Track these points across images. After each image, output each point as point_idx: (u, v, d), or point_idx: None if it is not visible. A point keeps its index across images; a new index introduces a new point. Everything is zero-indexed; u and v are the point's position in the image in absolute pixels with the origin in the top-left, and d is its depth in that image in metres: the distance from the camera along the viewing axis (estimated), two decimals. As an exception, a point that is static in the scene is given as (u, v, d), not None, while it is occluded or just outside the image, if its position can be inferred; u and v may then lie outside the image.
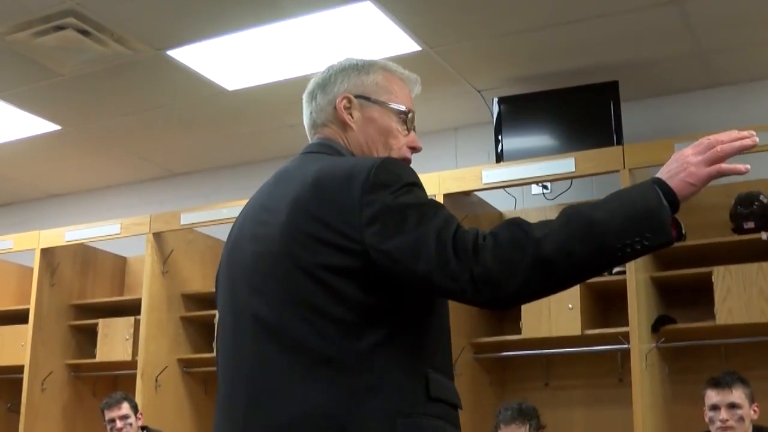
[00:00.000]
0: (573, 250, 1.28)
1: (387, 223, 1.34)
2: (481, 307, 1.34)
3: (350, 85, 1.60)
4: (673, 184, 1.34)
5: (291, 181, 1.47)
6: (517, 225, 1.33)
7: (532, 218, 4.42)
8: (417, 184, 1.42)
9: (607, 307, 4.05)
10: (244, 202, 5.36)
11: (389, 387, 1.34)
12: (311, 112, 1.63)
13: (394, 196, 1.36)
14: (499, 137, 4.30)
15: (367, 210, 1.35)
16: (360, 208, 1.35)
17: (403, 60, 3.97)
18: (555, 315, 3.80)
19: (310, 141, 1.64)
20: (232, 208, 4.50)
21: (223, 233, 5.03)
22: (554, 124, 4.27)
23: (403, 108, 1.61)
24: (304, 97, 1.65)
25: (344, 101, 1.59)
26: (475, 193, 4.14)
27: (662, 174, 1.36)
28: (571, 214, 1.32)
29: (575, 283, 1.34)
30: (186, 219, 4.66)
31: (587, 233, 1.29)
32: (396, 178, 1.39)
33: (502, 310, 1.35)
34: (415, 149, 1.62)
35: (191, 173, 5.70)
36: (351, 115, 1.59)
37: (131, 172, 5.70)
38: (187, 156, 5.44)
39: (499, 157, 4.27)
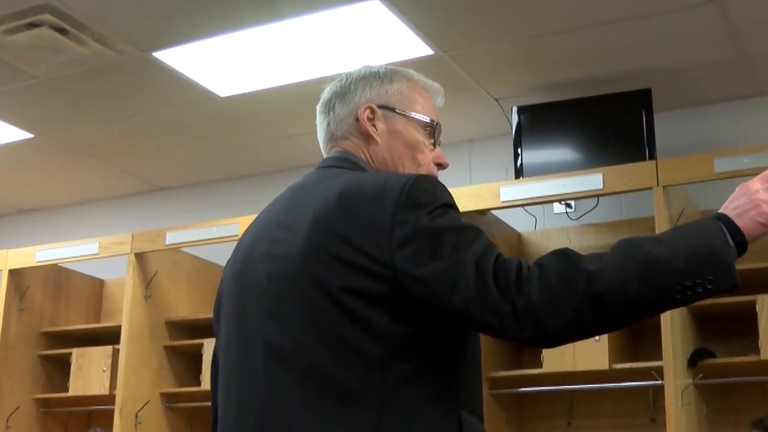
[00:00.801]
0: (629, 288, 1.28)
1: (421, 247, 1.34)
2: (520, 343, 1.33)
3: (373, 94, 1.61)
4: (741, 223, 1.34)
5: (311, 197, 1.47)
6: (566, 256, 1.33)
7: (554, 240, 4.35)
8: (453, 206, 1.43)
9: (638, 338, 4.03)
10: (237, 219, 5.29)
11: (419, 428, 1.33)
12: (329, 124, 1.64)
13: (430, 218, 1.37)
14: (519, 150, 4.30)
15: (400, 231, 1.36)
16: (391, 228, 1.36)
17: (414, 65, 3.92)
18: (580, 347, 3.77)
19: (324, 155, 1.65)
20: (223, 227, 4.50)
21: (213, 254, 5.04)
22: (580, 136, 4.27)
23: (429, 120, 1.62)
24: (319, 107, 1.67)
25: (367, 112, 1.60)
26: (492, 211, 4.14)
27: (728, 210, 1.36)
28: (628, 247, 1.32)
29: (625, 325, 1.35)
30: (172, 238, 4.65)
31: (646, 271, 1.29)
32: (432, 198, 1.40)
33: (544, 348, 1.35)
34: (441, 165, 1.64)
35: (178, 188, 5.70)
36: (375, 126, 1.60)
37: (111, 185, 5.69)
38: (174, 168, 5.43)
39: (519, 173, 4.26)
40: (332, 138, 1.63)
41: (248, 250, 1.54)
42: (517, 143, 4.31)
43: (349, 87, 1.63)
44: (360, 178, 1.47)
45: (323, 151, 1.66)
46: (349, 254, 1.37)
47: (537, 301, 1.28)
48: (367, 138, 1.60)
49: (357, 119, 1.60)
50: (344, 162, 1.58)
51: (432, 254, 1.33)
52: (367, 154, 1.60)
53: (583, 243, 4.34)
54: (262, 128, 4.82)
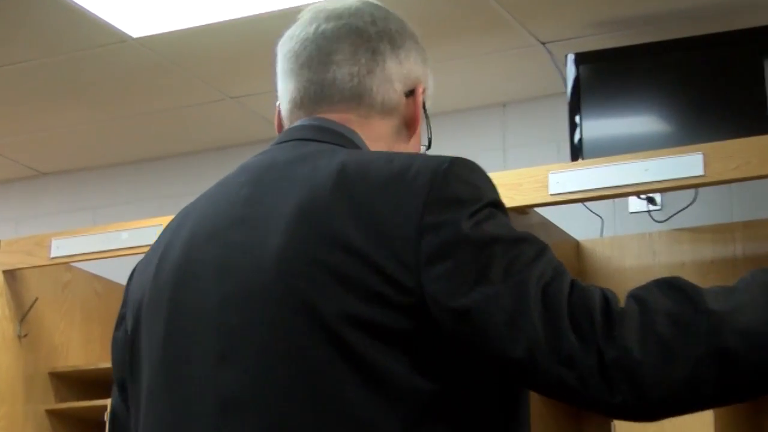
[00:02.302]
0: None
1: (462, 264, 1.36)
2: (608, 413, 1.34)
3: (422, 70, 1.68)
4: None
5: (287, 182, 1.49)
6: (678, 289, 1.35)
7: (630, 252, 4.31)
8: (501, 205, 1.46)
9: (762, 405, 4.00)
10: (159, 220, 5.22)
11: None
12: (353, 75, 1.62)
13: (474, 222, 1.39)
14: (577, 119, 4.29)
15: (431, 239, 1.37)
16: (418, 234, 1.38)
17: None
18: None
19: (293, 119, 1.65)
20: (137, 231, 4.43)
21: (121, 272, 4.97)
22: (668, 97, 4.27)
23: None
24: (329, 28, 1.64)
25: (424, 94, 1.67)
26: (537, 209, 4.10)
27: None
28: None
29: (763, 394, 1.36)
30: (60, 248, 4.59)
31: None
32: (475, 192, 1.43)
33: (641, 421, 1.38)
34: None
35: (69, 173, 5.71)
36: None
37: (-29, 170, 5.68)
38: (64, 145, 5.43)
39: (577, 152, 4.27)
40: (344, 98, 1.62)
41: (183, 257, 1.53)
42: (575, 108, 4.31)
43: (399, 35, 1.66)
44: (366, 158, 1.49)
45: (288, 116, 1.66)
46: (353, 269, 1.37)
47: (636, 354, 1.30)
48: (400, 131, 1.65)
49: (412, 94, 1.65)
50: (332, 135, 1.58)
51: (478, 276, 1.35)
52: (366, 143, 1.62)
53: (673, 257, 4.30)
54: (194, 85, 4.80)
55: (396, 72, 1.64)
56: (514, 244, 1.39)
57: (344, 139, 1.58)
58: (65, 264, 4.75)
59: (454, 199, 1.40)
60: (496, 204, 1.44)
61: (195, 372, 1.46)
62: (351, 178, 1.43)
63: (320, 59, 1.63)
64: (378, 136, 1.63)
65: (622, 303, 1.36)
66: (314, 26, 1.65)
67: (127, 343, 1.61)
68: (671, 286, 1.35)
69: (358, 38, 1.64)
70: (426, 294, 1.35)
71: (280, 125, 1.71)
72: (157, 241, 1.64)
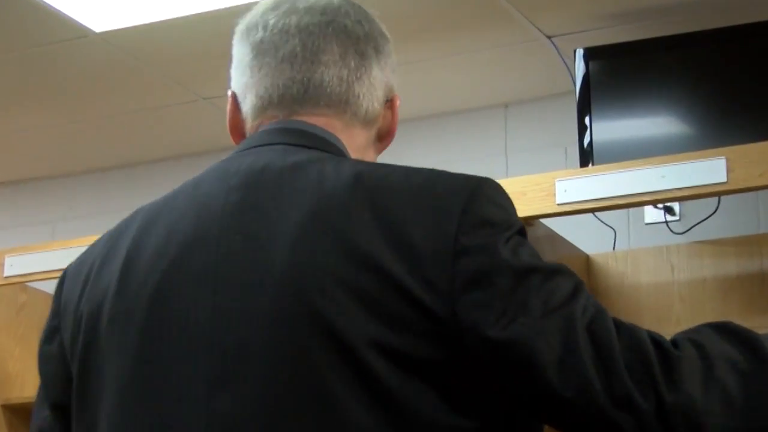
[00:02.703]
0: None
1: (502, 293, 1.38)
2: None
3: (395, 79, 1.70)
4: None
5: (288, 189, 1.48)
6: (732, 333, 1.42)
7: (646, 267, 4.29)
8: (525, 232, 1.49)
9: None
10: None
11: None
12: (342, 78, 1.63)
13: (510, 248, 1.42)
14: (587, 120, 4.29)
15: (468, 263, 1.39)
16: (452, 255, 1.39)
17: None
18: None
19: (255, 118, 1.66)
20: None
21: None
22: (686, 96, 4.27)
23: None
24: (315, 23, 1.63)
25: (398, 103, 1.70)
26: (542, 220, 4.10)
27: None
28: None
29: None
30: (14, 266, 4.59)
31: None
32: (506, 217, 1.46)
33: None
34: None
35: (25, 183, 5.71)
36: None
37: None
38: (20, 153, 5.43)
39: (586, 157, 4.27)
40: (331, 102, 1.63)
41: (164, 265, 1.51)
42: (584, 108, 4.30)
43: (381, 39, 1.68)
44: (381, 170, 1.49)
45: (267, 109, 1.65)
46: (374, 286, 1.38)
47: (699, 400, 1.35)
48: (374, 144, 1.68)
49: (389, 103, 1.68)
50: (321, 143, 1.58)
51: (519, 307, 1.38)
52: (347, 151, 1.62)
53: (693, 273, 4.28)
54: (163, 85, 4.80)
55: (379, 80, 1.67)
56: (551, 276, 1.42)
57: (333, 148, 1.59)
58: (20, 284, 4.74)
59: (488, 222, 1.43)
60: (523, 231, 1.47)
61: (181, 394, 1.44)
62: (370, 189, 1.44)
63: (305, 56, 1.63)
64: (357, 147, 1.64)
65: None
66: (294, 18, 1.64)
67: (73, 359, 1.58)
68: (725, 331, 1.41)
69: (347, 39, 1.64)
70: (460, 321, 1.37)
71: (237, 119, 1.70)
72: (104, 243, 1.61)
